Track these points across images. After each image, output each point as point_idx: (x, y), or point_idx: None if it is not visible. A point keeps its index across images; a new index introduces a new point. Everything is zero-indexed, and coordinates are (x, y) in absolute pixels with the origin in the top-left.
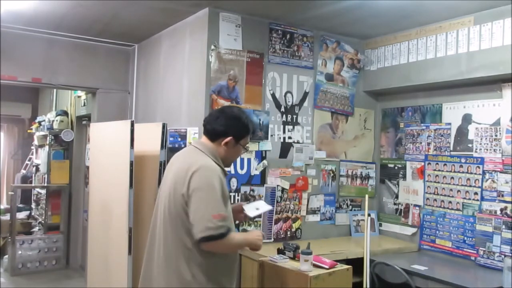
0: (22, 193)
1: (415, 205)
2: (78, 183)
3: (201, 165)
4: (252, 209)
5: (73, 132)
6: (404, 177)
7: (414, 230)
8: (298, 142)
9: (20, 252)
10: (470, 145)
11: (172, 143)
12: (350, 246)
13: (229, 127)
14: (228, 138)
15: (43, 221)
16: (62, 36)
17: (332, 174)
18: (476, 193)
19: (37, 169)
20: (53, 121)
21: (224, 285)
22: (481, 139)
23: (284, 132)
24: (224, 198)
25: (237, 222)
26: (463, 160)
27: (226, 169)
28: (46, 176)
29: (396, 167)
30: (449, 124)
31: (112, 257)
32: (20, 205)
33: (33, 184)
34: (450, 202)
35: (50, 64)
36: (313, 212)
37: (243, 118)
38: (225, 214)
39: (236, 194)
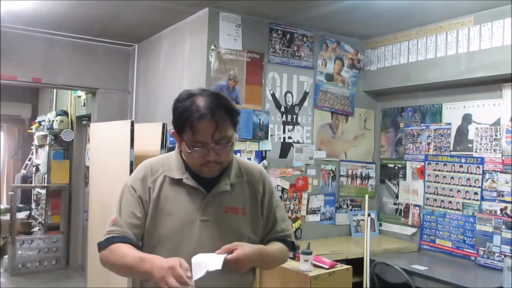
0: (22, 193)
1: (415, 205)
2: (78, 183)
3: None
4: (200, 267)
5: (73, 132)
6: (404, 177)
7: (414, 230)
8: (298, 142)
9: (20, 252)
10: (470, 145)
11: (172, 143)
12: (350, 246)
13: (172, 117)
14: (172, 131)
15: (43, 221)
16: (62, 36)
17: (332, 174)
18: (476, 193)
19: (37, 169)
20: (53, 121)
21: None
22: (481, 139)
23: (284, 132)
24: (142, 199)
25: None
26: (463, 160)
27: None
28: (46, 176)
29: (396, 167)
30: (449, 124)
31: None
32: (20, 205)
33: (33, 184)
34: (450, 202)
35: (50, 64)
36: (313, 212)
37: (175, 104)
38: (119, 218)
39: None
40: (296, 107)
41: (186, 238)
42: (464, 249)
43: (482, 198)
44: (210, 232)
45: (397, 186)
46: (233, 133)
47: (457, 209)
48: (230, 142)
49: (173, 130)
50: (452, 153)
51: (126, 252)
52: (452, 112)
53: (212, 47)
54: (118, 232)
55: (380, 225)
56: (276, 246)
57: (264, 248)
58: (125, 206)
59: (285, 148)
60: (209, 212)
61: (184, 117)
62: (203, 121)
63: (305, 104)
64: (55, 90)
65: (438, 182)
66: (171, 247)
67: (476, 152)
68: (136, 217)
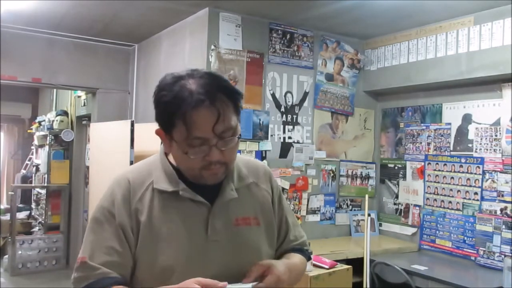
0: (22, 193)
1: (415, 205)
2: (78, 183)
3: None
4: None
5: (73, 132)
6: (404, 177)
7: (414, 230)
8: (298, 142)
9: (20, 252)
10: (470, 145)
11: None
12: (350, 246)
13: (155, 110)
14: (156, 129)
15: (43, 221)
16: (62, 36)
17: (332, 174)
18: (476, 193)
19: (37, 169)
20: (53, 121)
21: None
22: (481, 139)
23: (284, 132)
24: (125, 227)
25: None
26: (463, 160)
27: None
28: (46, 176)
29: (396, 167)
30: (449, 124)
31: None
32: (20, 205)
33: (33, 184)
34: (450, 202)
35: (50, 64)
36: (313, 212)
37: (158, 93)
38: (89, 259)
39: None
40: (296, 107)
41: (196, 267)
42: (464, 249)
43: (482, 198)
44: (224, 254)
45: (397, 186)
46: (237, 122)
47: (457, 209)
48: (236, 134)
49: (158, 128)
50: (452, 153)
51: None
52: (452, 112)
53: (212, 47)
54: (94, 276)
55: (380, 225)
56: (296, 259)
57: (288, 263)
58: (102, 240)
59: (285, 148)
60: (217, 229)
61: (172, 108)
62: (200, 110)
63: (305, 104)
64: (55, 90)
65: (438, 182)
66: (178, 281)
67: (476, 152)
68: (116, 253)
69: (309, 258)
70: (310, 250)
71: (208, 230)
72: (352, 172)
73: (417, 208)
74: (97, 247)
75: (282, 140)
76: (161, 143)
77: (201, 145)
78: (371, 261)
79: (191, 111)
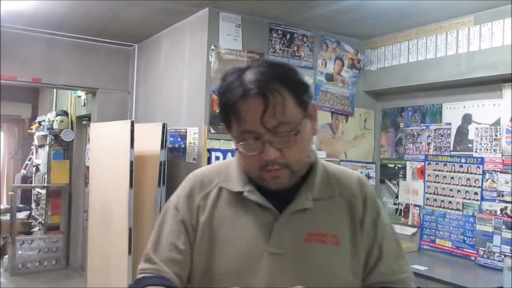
0: (22, 193)
1: (415, 205)
2: (78, 183)
3: None
4: None
5: (73, 132)
6: (404, 177)
7: (414, 230)
8: None
9: (20, 252)
10: (470, 145)
11: (172, 143)
12: None
13: None
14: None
15: (43, 221)
16: (62, 36)
17: None
18: (476, 193)
19: (37, 169)
20: (53, 121)
21: None
22: (481, 139)
23: None
24: (187, 223)
25: None
26: (463, 160)
27: None
28: (46, 176)
29: (396, 167)
30: (449, 124)
31: (112, 257)
32: (20, 205)
33: (33, 184)
34: (450, 202)
35: (50, 64)
36: None
37: (218, 86)
38: (153, 252)
39: None
40: None
41: (248, 280)
42: (464, 249)
43: (482, 198)
44: (285, 271)
45: (397, 186)
46: (300, 116)
47: (457, 209)
48: (295, 130)
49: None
50: (452, 153)
51: None
52: (452, 112)
53: (212, 47)
54: (151, 271)
55: None
56: None
57: None
58: (165, 234)
59: None
60: (282, 241)
61: (224, 99)
62: (247, 100)
63: None
64: (55, 90)
65: (438, 182)
66: None
67: (476, 152)
68: (177, 250)
69: None
70: None
71: (271, 241)
72: None
73: (417, 208)
74: (162, 241)
75: None
76: None
77: (253, 140)
78: None
79: (238, 101)
